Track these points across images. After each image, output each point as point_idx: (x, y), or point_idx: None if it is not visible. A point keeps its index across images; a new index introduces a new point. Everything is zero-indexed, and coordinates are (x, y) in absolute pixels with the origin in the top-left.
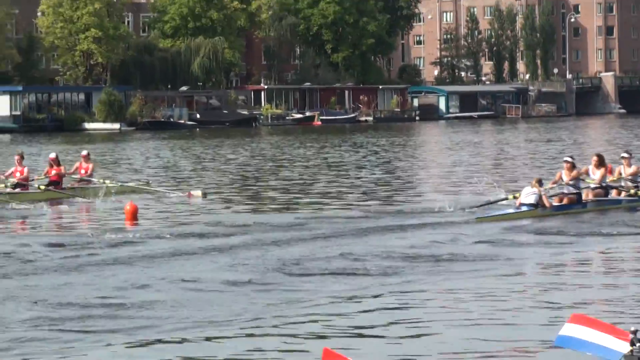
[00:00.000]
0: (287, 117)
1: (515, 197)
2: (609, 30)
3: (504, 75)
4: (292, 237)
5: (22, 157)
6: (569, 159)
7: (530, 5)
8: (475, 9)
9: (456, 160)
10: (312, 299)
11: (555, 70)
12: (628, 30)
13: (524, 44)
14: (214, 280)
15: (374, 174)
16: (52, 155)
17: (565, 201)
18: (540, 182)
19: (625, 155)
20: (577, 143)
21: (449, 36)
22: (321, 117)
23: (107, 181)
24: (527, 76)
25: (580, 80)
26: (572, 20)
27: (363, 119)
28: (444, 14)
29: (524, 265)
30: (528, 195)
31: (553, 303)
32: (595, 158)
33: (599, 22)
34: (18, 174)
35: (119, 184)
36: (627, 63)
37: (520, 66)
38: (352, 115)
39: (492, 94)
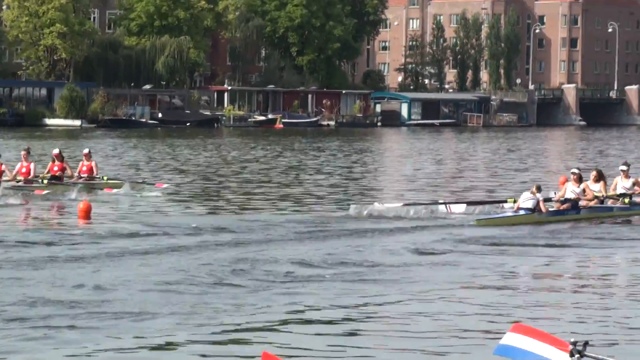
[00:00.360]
0: (250, 119)
1: (515, 201)
2: (572, 43)
3: (467, 83)
4: (240, 240)
5: (28, 153)
6: (576, 171)
7: (496, 14)
8: (441, 17)
9: (413, 167)
10: (254, 303)
11: (518, 81)
12: (592, 43)
13: (489, 53)
14: (153, 282)
15: (329, 178)
16: (56, 151)
17: (563, 207)
18: (539, 189)
19: (624, 167)
20: (536, 153)
21: (414, 43)
22: (283, 120)
23: (105, 177)
24: (490, 85)
25: (542, 91)
26: (537, 31)
27: (325, 123)
28: (411, 20)
29: (479, 273)
30: (526, 200)
31: (503, 312)
32: (594, 173)
33: (563, 34)
34: (24, 170)
35: (119, 180)
36: (589, 75)
37: (484, 75)
38: (315, 119)
39: (455, 102)
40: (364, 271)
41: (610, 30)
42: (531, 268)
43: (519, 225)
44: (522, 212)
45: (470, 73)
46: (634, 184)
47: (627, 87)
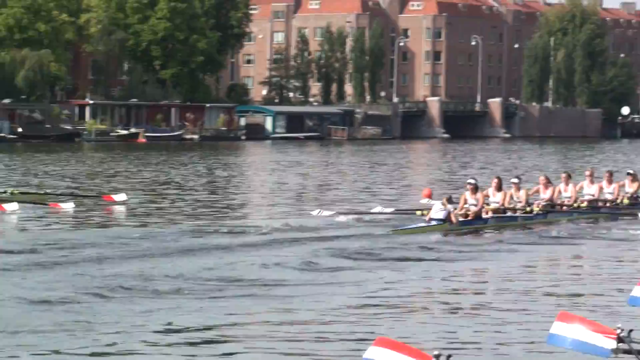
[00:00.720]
0: (112, 134)
1: (423, 214)
2: (436, 56)
3: (332, 97)
4: (111, 254)
5: None
6: (472, 181)
7: (361, 28)
8: (306, 30)
9: (274, 181)
10: (129, 320)
11: (383, 94)
12: (455, 56)
13: (353, 66)
14: (21, 299)
15: (191, 192)
16: None
17: (470, 217)
18: (450, 200)
19: (515, 180)
20: (401, 166)
21: (278, 56)
22: (146, 134)
23: (16, 190)
24: (355, 98)
25: (406, 104)
26: (401, 44)
27: (189, 137)
28: (275, 34)
29: (362, 287)
30: (438, 211)
31: (371, 325)
32: (496, 180)
33: (427, 47)
34: None
35: (22, 193)
36: (453, 88)
37: (348, 88)
38: (178, 133)
39: (319, 116)
40: (242, 285)
41: (473, 43)
42: (417, 280)
43: (428, 236)
44: (434, 222)
45: (334, 86)
46: (524, 196)
47: (490, 100)
